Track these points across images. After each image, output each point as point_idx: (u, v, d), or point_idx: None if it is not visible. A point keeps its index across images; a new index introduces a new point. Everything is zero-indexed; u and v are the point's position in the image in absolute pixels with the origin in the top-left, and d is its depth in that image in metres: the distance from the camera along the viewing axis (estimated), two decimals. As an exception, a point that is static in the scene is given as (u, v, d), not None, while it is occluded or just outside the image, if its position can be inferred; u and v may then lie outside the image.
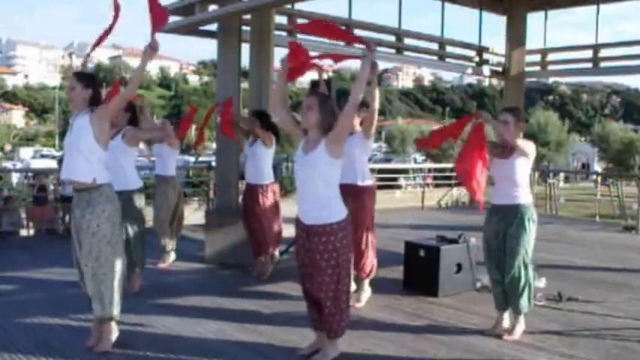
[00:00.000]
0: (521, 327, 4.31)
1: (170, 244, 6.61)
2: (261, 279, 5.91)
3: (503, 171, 4.23)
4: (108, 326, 3.89)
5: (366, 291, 5.14)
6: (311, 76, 5.21)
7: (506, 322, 4.38)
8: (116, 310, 3.88)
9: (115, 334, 3.91)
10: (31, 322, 4.51)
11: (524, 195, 4.21)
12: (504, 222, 4.22)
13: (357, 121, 4.94)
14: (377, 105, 4.62)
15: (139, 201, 5.23)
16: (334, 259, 3.57)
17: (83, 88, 3.79)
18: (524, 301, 4.25)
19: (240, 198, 6.61)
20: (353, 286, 5.09)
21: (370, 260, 5.01)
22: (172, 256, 6.66)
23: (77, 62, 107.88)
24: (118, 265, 3.86)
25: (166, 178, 6.56)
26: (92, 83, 3.85)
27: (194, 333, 4.33)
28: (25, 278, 5.93)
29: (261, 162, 5.94)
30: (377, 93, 4.57)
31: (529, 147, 4.18)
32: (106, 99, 5.22)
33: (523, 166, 4.21)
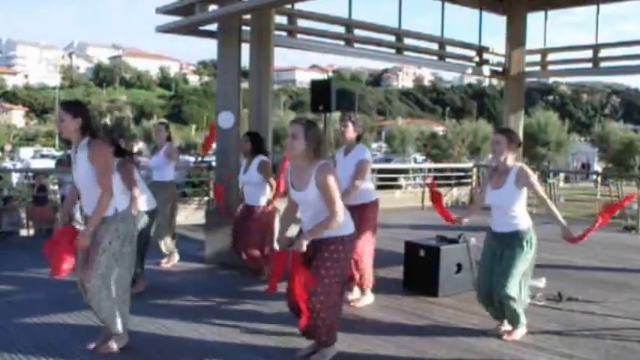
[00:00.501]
0: (521, 331, 4.31)
1: (172, 245, 6.61)
2: (259, 279, 5.89)
3: (498, 200, 4.21)
4: (114, 337, 3.90)
5: (368, 296, 5.16)
6: (311, 76, 5.23)
7: (506, 324, 4.37)
8: (121, 326, 3.88)
9: (118, 344, 3.90)
10: (31, 322, 4.51)
11: (522, 221, 4.18)
12: (502, 245, 4.20)
13: (352, 134, 4.94)
14: None
15: (146, 219, 5.31)
16: (333, 269, 3.58)
17: (72, 118, 3.69)
18: (520, 317, 4.23)
19: (238, 207, 6.45)
20: (357, 294, 5.13)
21: (369, 270, 5.04)
22: (176, 256, 6.66)
23: (77, 62, 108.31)
24: (124, 284, 3.85)
25: (165, 184, 6.49)
26: (81, 111, 3.73)
27: (194, 333, 4.33)
28: (25, 278, 5.93)
29: (258, 187, 5.86)
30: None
31: (528, 174, 4.12)
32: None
33: (517, 194, 4.16)
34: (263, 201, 5.88)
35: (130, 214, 3.91)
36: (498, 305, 4.22)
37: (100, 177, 3.67)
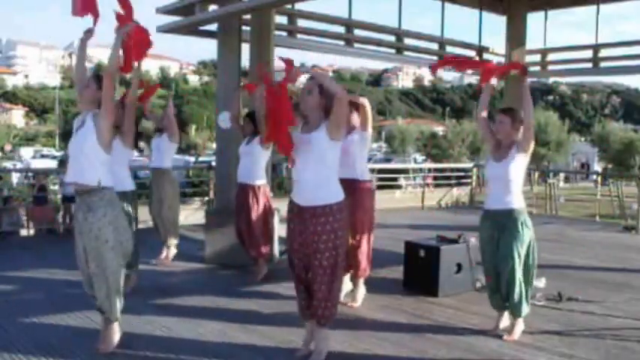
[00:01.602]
0: (520, 327, 4.31)
1: (171, 240, 6.61)
2: (256, 280, 5.89)
3: (498, 172, 4.22)
4: (111, 328, 3.90)
5: (361, 289, 5.14)
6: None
7: (505, 320, 4.38)
8: (118, 313, 3.89)
9: (117, 335, 3.92)
10: (31, 322, 4.51)
11: (517, 200, 4.19)
12: (497, 227, 4.20)
13: (355, 119, 4.94)
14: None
15: (131, 202, 5.21)
16: (332, 241, 3.57)
17: (97, 89, 3.78)
18: (522, 306, 4.24)
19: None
20: (349, 286, 5.12)
21: (366, 259, 5.01)
22: (173, 250, 6.65)
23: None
24: (120, 269, 3.86)
25: (162, 171, 6.52)
26: None
27: (194, 333, 4.33)
28: (25, 278, 5.92)
29: (256, 162, 5.90)
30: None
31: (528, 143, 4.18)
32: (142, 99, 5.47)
33: (518, 168, 4.18)
34: (258, 179, 5.89)
35: (115, 197, 3.85)
36: (504, 291, 4.20)
37: (106, 94, 3.67)
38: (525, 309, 4.28)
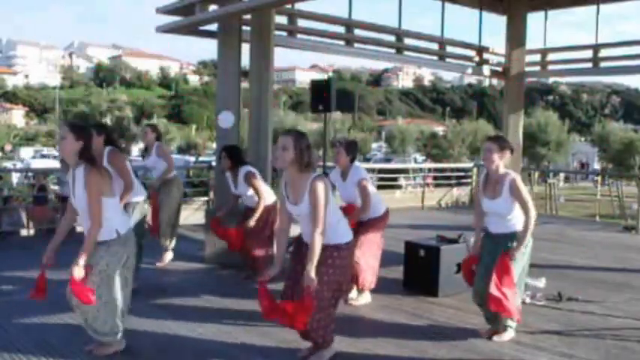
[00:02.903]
0: (510, 334, 4.28)
1: (169, 244, 6.61)
2: (254, 279, 5.86)
3: (495, 209, 4.19)
4: (105, 343, 3.86)
5: (366, 296, 5.18)
6: (311, 75, 5.25)
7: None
8: (117, 337, 3.83)
9: (113, 348, 3.87)
10: (31, 322, 4.51)
11: (518, 222, 4.15)
12: (498, 246, 4.17)
13: (345, 158, 4.99)
14: None
15: (142, 210, 5.31)
16: (328, 275, 3.56)
17: (74, 139, 3.62)
18: (507, 319, 4.20)
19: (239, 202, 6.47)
20: (354, 293, 5.14)
21: (373, 273, 5.07)
22: (170, 254, 6.66)
23: (77, 62, 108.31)
24: (116, 304, 3.78)
25: (170, 179, 6.53)
26: (84, 135, 3.67)
27: (194, 333, 4.33)
28: (25, 278, 5.89)
29: (251, 199, 5.86)
30: None
31: (520, 188, 4.09)
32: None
33: (514, 203, 4.12)
34: (264, 201, 5.86)
35: (131, 236, 3.84)
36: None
37: (91, 205, 3.59)
38: (510, 323, 4.24)
